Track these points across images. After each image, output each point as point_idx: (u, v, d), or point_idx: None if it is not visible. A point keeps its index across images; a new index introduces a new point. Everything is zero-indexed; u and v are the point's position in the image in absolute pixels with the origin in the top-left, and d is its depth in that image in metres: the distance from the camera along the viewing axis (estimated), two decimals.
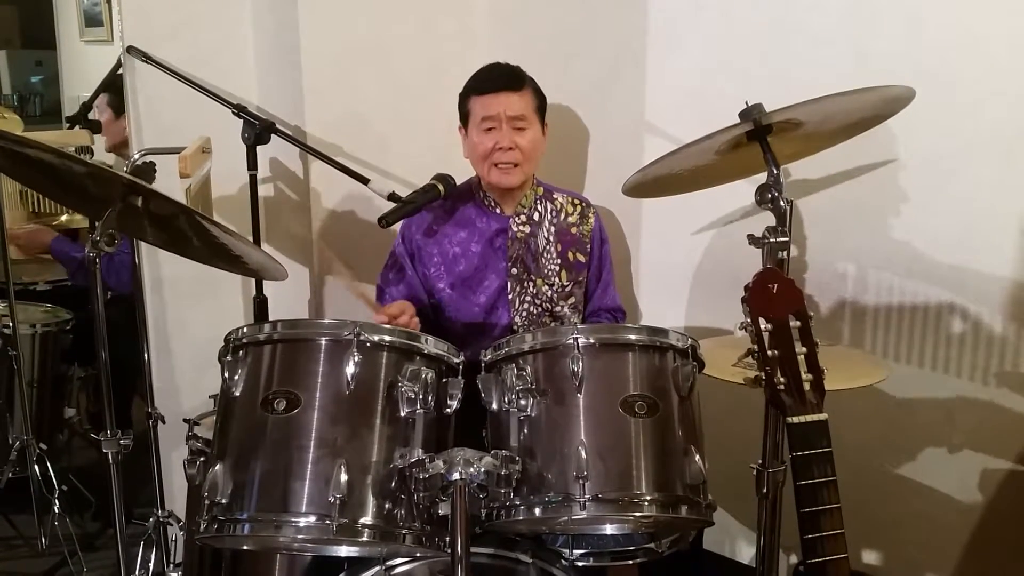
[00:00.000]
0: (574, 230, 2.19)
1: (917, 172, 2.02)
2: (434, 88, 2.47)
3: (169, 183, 1.96)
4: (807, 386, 1.35)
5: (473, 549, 1.51)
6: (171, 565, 2.39)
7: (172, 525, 2.38)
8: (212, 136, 2.19)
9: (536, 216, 2.16)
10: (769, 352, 1.35)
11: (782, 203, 1.49)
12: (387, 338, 1.46)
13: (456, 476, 1.36)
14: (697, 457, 1.44)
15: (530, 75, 2.10)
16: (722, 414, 1.89)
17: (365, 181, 2.15)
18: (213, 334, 1.57)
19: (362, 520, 1.38)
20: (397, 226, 2.08)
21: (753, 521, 1.70)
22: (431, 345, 1.51)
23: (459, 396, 1.50)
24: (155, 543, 2.37)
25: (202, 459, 1.50)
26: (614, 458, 1.41)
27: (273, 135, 2.23)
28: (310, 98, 2.40)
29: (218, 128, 2.22)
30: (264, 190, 2.40)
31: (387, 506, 1.40)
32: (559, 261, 2.16)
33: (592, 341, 1.46)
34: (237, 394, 1.46)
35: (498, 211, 2.15)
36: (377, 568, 1.63)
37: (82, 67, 5.12)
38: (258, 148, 2.22)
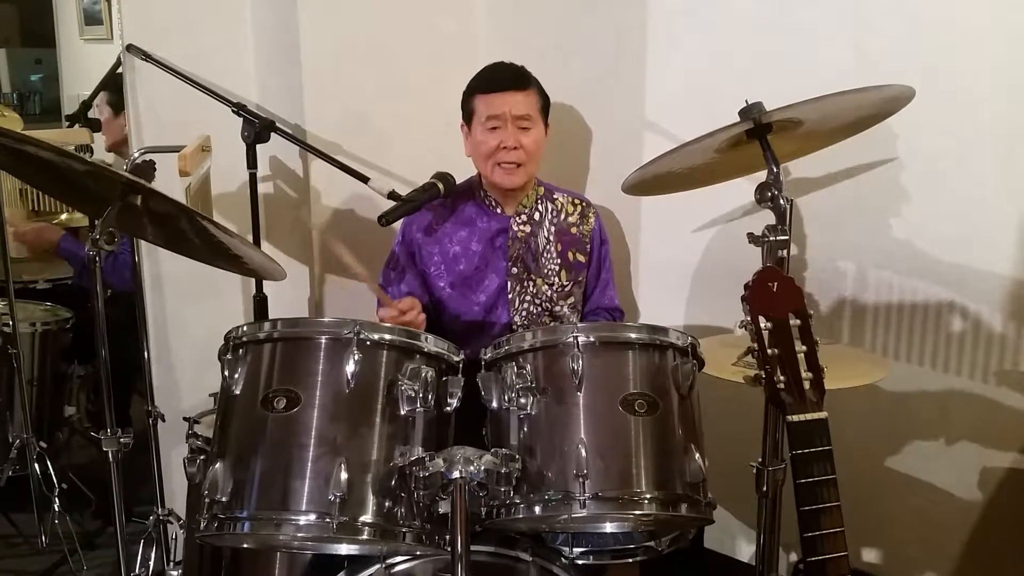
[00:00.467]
0: (574, 230, 2.19)
1: (917, 170, 2.01)
2: (434, 87, 2.48)
3: (169, 181, 1.97)
4: (807, 384, 1.35)
5: (473, 547, 1.52)
6: (171, 563, 2.39)
7: (172, 523, 2.38)
8: (212, 134, 2.19)
9: (537, 216, 2.16)
10: (769, 351, 1.35)
11: (782, 201, 1.49)
12: (387, 336, 1.46)
13: (456, 474, 1.36)
14: (697, 455, 1.45)
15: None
16: (722, 413, 1.89)
17: (365, 180, 2.15)
18: (213, 332, 1.57)
19: (362, 518, 1.38)
20: (397, 225, 2.08)
21: (753, 519, 1.70)
22: (431, 343, 1.51)
23: (459, 394, 1.50)
24: (155, 541, 2.36)
25: (202, 457, 1.50)
26: (614, 456, 1.41)
27: (273, 133, 2.23)
28: (310, 96, 2.40)
29: (218, 126, 2.22)
30: (264, 188, 2.40)
31: (387, 504, 1.40)
32: (559, 261, 2.16)
33: (592, 339, 1.46)
34: (237, 392, 1.46)
35: (499, 211, 2.15)
36: (377, 566, 1.63)
37: (82, 65, 5.10)
38: (258, 147, 2.22)
